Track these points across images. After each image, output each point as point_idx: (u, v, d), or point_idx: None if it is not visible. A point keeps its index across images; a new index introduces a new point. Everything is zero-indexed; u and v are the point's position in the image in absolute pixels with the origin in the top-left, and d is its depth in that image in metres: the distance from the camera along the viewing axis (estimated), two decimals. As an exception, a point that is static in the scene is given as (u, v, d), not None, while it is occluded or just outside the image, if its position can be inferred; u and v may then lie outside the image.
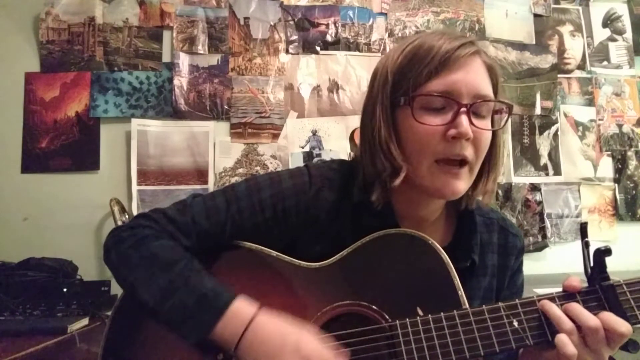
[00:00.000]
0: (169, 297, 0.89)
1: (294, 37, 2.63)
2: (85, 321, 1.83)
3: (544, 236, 2.63)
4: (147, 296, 0.91)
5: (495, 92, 0.95)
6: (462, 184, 0.92)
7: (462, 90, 0.88)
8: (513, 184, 2.65)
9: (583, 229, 0.89)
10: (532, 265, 2.54)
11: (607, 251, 0.83)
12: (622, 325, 0.79)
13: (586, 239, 0.87)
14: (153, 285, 0.91)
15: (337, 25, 2.66)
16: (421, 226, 1.02)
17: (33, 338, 1.60)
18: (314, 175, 1.03)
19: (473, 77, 0.90)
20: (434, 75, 0.89)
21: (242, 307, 0.88)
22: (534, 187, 2.67)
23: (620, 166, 2.74)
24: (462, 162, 0.91)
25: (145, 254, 0.94)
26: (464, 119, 0.88)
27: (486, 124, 0.93)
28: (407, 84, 0.91)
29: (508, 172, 2.66)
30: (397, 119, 0.94)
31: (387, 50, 2.65)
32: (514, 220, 2.57)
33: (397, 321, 0.88)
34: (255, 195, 1.00)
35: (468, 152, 0.90)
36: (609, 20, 2.84)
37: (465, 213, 1.06)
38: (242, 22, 2.60)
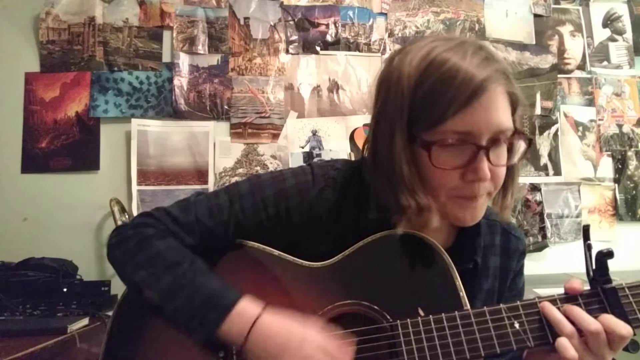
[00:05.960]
0: (175, 296, 0.90)
1: (294, 37, 2.63)
2: (85, 321, 1.83)
3: (544, 236, 2.63)
4: (153, 295, 0.92)
5: (514, 114, 0.91)
6: (480, 212, 0.92)
7: (483, 131, 0.84)
8: (513, 184, 2.64)
9: (585, 231, 0.89)
10: (532, 265, 2.51)
11: (609, 254, 0.83)
12: (622, 328, 0.79)
13: (588, 242, 0.87)
14: (159, 284, 0.92)
15: (337, 25, 2.65)
16: (424, 228, 1.02)
17: (33, 338, 1.60)
18: (317, 174, 1.02)
19: (494, 115, 0.84)
20: (455, 113, 0.83)
21: (248, 307, 0.89)
22: (534, 187, 2.67)
23: (620, 166, 2.73)
24: None
25: (150, 253, 0.95)
26: (482, 163, 0.84)
27: (503, 153, 0.90)
28: (425, 118, 0.85)
29: (508, 172, 2.65)
30: (415, 151, 0.89)
31: (387, 50, 2.65)
32: (514, 221, 2.57)
33: (398, 321, 0.88)
34: (258, 193, 1.00)
35: (486, 188, 0.89)
36: (609, 21, 2.83)
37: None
38: (242, 22, 2.60)
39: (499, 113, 0.85)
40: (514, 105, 0.90)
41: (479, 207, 0.91)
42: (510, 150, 0.93)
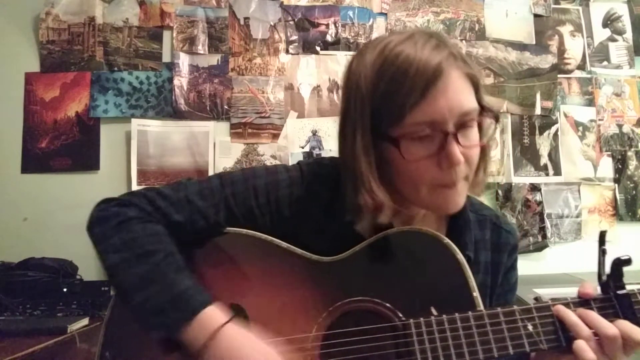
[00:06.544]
0: (142, 289, 0.87)
1: (294, 37, 2.63)
2: (85, 321, 1.83)
3: (544, 236, 2.63)
4: (122, 282, 0.90)
5: (478, 93, 0.90)
6: (462, 197, 0.92)
7: (446, 116, 0.83)
8: (513, 184, 2.65)
9: (602, 237, 0.89)
10: (532, 265, 2.53)
11: (627, 261, 0.84)
12: (639, 334, 0.80)
13: (603, 247, 0.87)
14: (129, 272, 0.89)
15: (337, 25, 2.66)
16: (413, 222, 1.02)
17: (33, 338, 1.61)
18: (305, 170, 1.04)
19: (454, 98, 0.84)
20: (415, 106, 0.83)
21: (213, 315, 0.86)
22: (534, 187, 2.67)
23: (620, 166, 2.73)
24: None
25: (127, 237, 0.92)
26: (453, 148, 0.84)
27: (474, 134, 0.90)
28: (388, 115, 0.86)
29: (508, 172, 2.66)
30: (381, 149, 0.90)
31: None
32: (513, 221, 2.58)
33: (411, 320, 0.87)
34: (250, 181, 1.00)
35: (462, 172, 0.88)
36: (609, 20, 2.84)
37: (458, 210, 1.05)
38: (242, 22, 2.60)
39: (459, 96, 0.85)
40: (475, 86, 0.90)
41: (458, 192, 0.90)
42: (481, 129, 0.93)
